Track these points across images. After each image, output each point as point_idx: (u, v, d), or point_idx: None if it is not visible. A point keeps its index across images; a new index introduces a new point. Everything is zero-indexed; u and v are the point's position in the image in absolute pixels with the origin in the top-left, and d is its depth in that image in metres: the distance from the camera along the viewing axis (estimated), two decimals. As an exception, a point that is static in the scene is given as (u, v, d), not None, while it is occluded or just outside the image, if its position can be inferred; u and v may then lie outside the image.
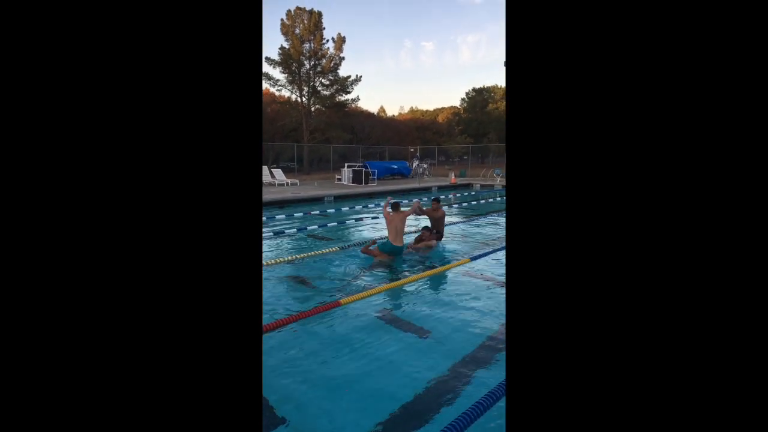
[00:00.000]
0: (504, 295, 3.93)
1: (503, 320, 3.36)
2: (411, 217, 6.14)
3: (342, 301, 3.63)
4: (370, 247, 5.28)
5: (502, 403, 2.12)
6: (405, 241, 5.25)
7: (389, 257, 5.10)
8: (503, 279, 4.46)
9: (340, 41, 25.65)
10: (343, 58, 26.07)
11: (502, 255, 5.45)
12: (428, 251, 5.60)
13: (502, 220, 8.45)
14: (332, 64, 25.70)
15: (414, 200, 6.01)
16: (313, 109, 26.47)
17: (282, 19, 24.43)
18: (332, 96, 26.54)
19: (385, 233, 5.28)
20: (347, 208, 10.25)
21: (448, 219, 6.72)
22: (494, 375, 2.50)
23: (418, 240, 5.80)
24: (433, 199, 6.18)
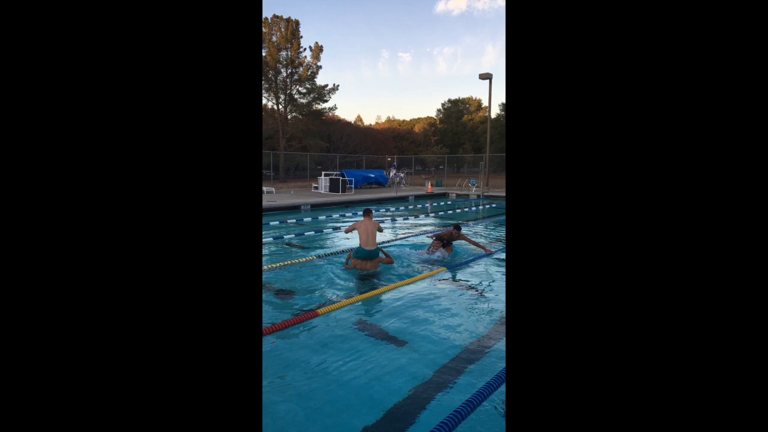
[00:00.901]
0: (479, 303, 4.00)
1: (479, 328, 3.41)
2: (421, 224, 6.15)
3: (319, 311, 3.60)
4: (349, 261, 5.19)
5: (482, 408, 2.15)
6: (378, 245, 5.16)
7: (365, 263, 5.03)
8: (479, 287, 4.54)
9: (317, 50, 25.71)
10: (321, 67, 26.24)
11: (476, 264, 5.54)
12: (445, 256, 5.82)
13: (477, 229, 8.60)
14: (309, 73, 25.70)
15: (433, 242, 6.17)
16: (289, 116, 26.32)
17: (259, 27, 24.27)
18: (309, 104, 26.50)
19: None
20: (324, 217, 10.19)
21: (427, 229, 6.78)
22: (472, 382, 2.53)
23: (430, 247, 5.99)
24: (454, 227, 6.28)
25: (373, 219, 5.27)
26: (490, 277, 4.98)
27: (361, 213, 10.83)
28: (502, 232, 8.18)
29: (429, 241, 6.60)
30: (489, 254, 5.98)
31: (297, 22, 24.85)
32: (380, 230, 5.31)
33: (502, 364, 2.70)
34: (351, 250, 5.87)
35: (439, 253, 5.90)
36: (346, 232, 5.44)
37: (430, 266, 5.35)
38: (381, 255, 5.21)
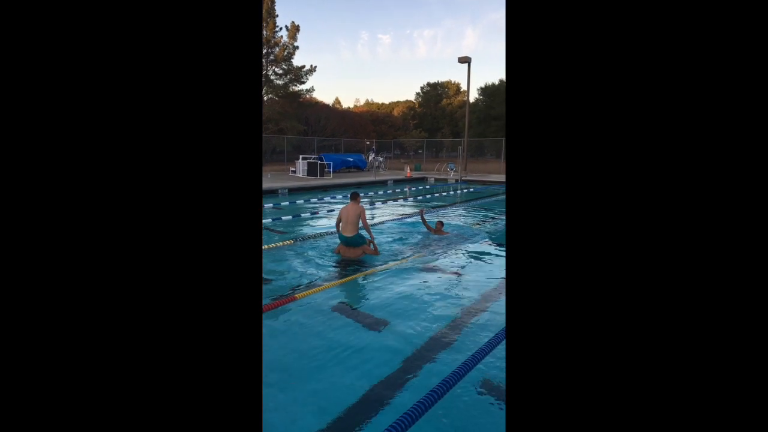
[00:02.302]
0: (456, 287, 4.08)
1: (455, 311, 3.49)
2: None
3: (297, 296, 3.60)
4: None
5: (456, 390, 2.21)
6: (359, 231, 4.93)
7: (347, 249, 4.92)
8: (454, 270, 4.62)
9: (293, 30, 25.01)
10: (297, 47, 25.50)
11: (454, 249, 5.62)
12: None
13: (454, 213, 8.70)
14: (286, 53, 25.02)
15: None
16: (265, 98, 25.67)
17: (232, 3, 23.34)
18: (286, 86, 25.88)
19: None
20: (302, 201, 10.09)
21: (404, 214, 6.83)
22: (447, 363, 2.60)
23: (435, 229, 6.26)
24: (438, 222, 6.34)
25: (359, 204, 5.00)
26: (467, 261, 5.07)
27: (340, 197, 10.92)
28: (478, 217, 8.31)
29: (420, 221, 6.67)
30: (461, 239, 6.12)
31: (272, 0, 24.03)
32: (362, 216, 4.90)
33: (477, 345, 2.77)
34: (329, 234, 5.88)
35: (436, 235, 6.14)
36: (337, 223, 5.09)
37: (410, 252, 5.40)
38: (368, 245, 5.03)
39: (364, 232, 4.99)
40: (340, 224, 4.93)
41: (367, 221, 5.03)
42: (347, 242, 4.91)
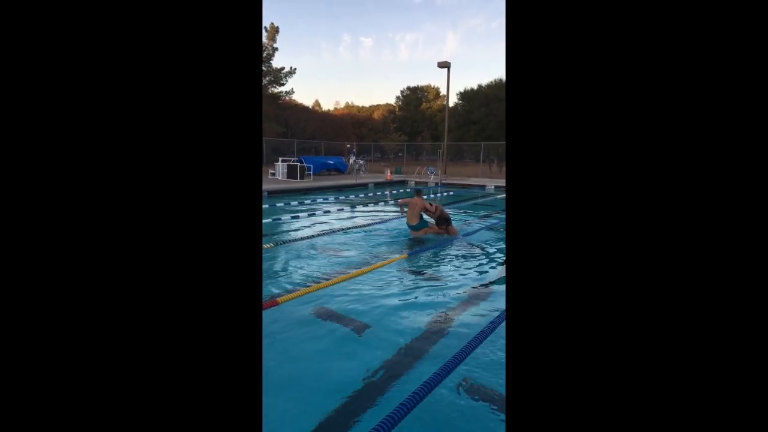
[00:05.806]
0: (436, 289, 4.10)
1: (437, 312, 3.51)
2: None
3: (279, 300, 3.55)
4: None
5: (434, 396, 2.22)
6: (420, 221, 6.26)
7: (413, 232, 6.31)
8: (436, 273, 4.65)
9: (273, 31, 24.80)
10: (277, 49, 25.29)
11: (435, 250, 5.66)
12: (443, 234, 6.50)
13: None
14: (265, 55, 24.78)
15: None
16: (244, 100, 25.29)
17: (209, 3, 23.01)
18: (265, 87, 25.60)
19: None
20: (282, 204, 9.98)
21: (387, 216, 6.89)
22: (429, 365, 2.61)
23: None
24: (416, 191, 6.72)
25: (422, 198, 6.29)
26: (449, 263, 5.11)
27: (319, 200, 10.95)
28: (460, 220, 8.39)
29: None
30: (455, 237, 6.30)
31: (251, 0, 23.79)
32: (425, 210, 6.19)
33: (458, 346, 2.80)
34: (310, 237, 5.85)
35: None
36: (400, 203, 6.70)
37: (392, 254, 5.40)
38: (428, 227, 6.39)
39: (426, 219, 6.46)
40: (407, 213, 6.33)
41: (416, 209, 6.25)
42: (412, 228, 6.31)
